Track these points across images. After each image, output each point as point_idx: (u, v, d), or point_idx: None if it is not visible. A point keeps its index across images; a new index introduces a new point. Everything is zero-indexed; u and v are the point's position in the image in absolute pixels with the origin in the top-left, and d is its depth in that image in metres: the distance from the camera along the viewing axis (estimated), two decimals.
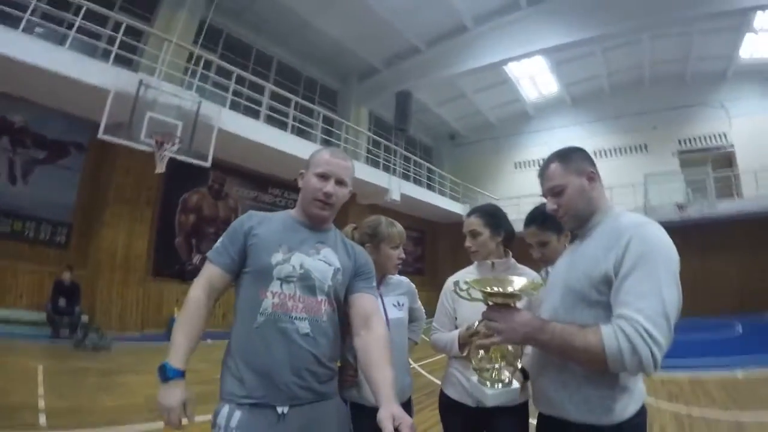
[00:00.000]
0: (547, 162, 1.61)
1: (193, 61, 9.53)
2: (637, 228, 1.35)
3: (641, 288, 1.27)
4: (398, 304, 2.20)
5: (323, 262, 1.63)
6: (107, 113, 7.23)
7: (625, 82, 18.19)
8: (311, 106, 12.97)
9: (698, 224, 14.63)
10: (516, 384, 1.54)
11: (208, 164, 8.79)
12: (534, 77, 17.97)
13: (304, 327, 1.53)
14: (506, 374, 1.50)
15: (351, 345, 1.65)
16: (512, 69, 16.91)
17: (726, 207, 14.44)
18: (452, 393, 2.08)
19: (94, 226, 9.20)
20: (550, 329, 1.34)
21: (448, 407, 2.10)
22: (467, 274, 2.15)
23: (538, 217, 2.10)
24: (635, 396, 1.40)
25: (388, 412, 1.22)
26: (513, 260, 2.18)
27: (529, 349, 1.64)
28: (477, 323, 1.55)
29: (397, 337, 2.05)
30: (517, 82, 18.11)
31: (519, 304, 1.46)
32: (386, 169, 14.53)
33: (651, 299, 1.25)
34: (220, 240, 1.66)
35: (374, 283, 1.77)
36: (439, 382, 2.23)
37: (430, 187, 17.29)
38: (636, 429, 1.40)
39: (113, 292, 8.99)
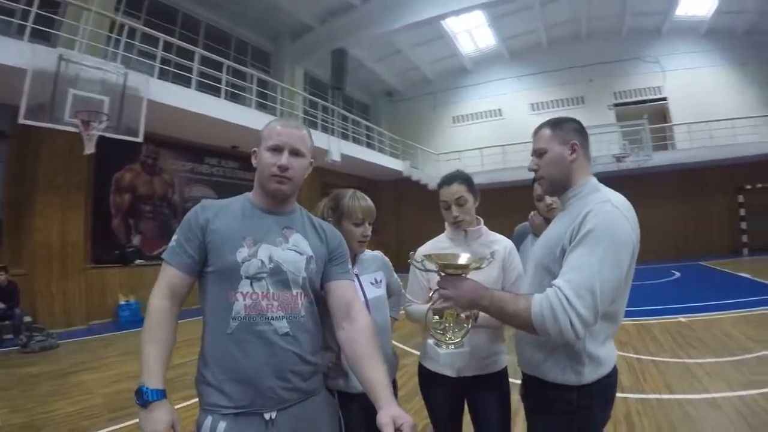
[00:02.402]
0: (541, 125, 1.69)
1: (116, 31, 8.79)
2: (596, 204, 1.44)
3: (578, 261, 1.37)
4: (376, 281, 2.09)
5: (294, 251, 1.50)
6: (27, 95, 6.60)
7: (563, 36, 18.57)
8: (244, 69, 12.40)
9: (635, 175, 15.38)
10: (466, 347, 1.61)
11: (140, 139, 8.26)
12: (471, 31, 17.90)
13: (283, 326, 1.41)
14: (457, 337, 1.59)
15: (332, 332, 1.57)
16: (450, 23, 16.75)
17: (661, 158, 15.27)
18: (432, 365, 2.08)
19: (25, 219, 8.48)
20: (489, 295, 1.46)
21: (429, 379, 2.11)
22: (439, 243, 2.21)
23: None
24: (605, 362, 1.51)
25: (388, 415, 1.16)
26: (484, 227, 2.19)
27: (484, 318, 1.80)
28: (432, 292, 1.59)
29: (378, 317, 1.95)
30: (455, 37, 18.01)
31: (489, 275, 1.85)
32: (325, 129, 14.20)
33: (582, 272, 1.34)
34: (174, 238, 1.48)
35: (350, 266, 1.66)
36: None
37: (369, 146, 17.12)
38: (603, 389, 1.53)
39: (53, 286, 8.45)
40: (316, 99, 14.71)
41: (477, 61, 19.97)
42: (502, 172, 17.01)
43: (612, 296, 1.39)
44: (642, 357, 5.03)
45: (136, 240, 10.54)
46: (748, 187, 15.68)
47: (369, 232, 2.04)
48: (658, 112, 17.91)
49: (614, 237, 1.39)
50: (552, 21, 17.40)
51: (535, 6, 16.04)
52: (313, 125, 14.00)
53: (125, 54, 8.76)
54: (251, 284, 1.40)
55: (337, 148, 14.19)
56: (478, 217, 2.19)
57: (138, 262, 10.28)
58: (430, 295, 1.62)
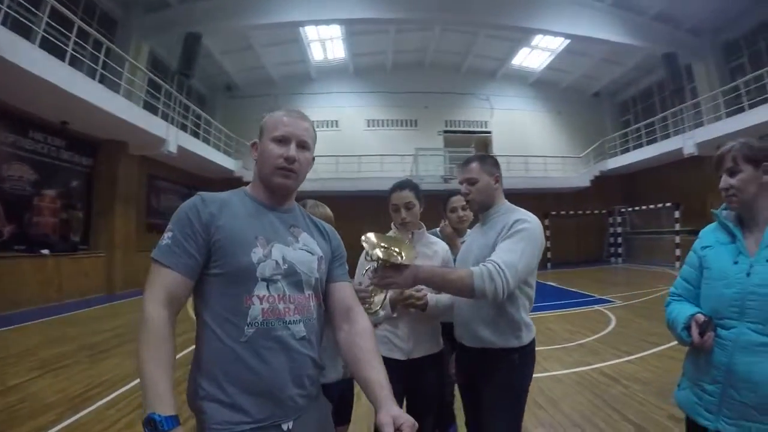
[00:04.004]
0: (470, 159, 2.24)
1: None
2: (522, 215, 2.05)
3: (508, 247, 1.92)
4: None
5: (305, 251, 1.44)
6: None
7: (407, 62, 19.97)
8: (91, 31, 10.67)
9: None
10: (381, 312, 2.04)
11: None
12: (325, 42, 18.15)
13: (300, 330, 1.35)
14: (375, 308, 1.96)
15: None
16: (307, 30, 16.87)
17: None
18: (383, 351, 2.24)
19: None
20: (427, 269, 1.92)
21: None
22: None
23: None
24: (532, 328, 2.11)
25: (388, 415, 1.15)
26: (425, 231, 2.59)
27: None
28: (372, 276, 1.91)
29: None
30: (308, 44, 18.06)
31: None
32: (164, 117, 13.22)
33: (510, 254, 1.88)
34: (167, 235, 1.31)
35: (347, 268, 1.66)
36: None
37: (205, 140, 16.24)
38: (532, 350, 2.13)
39: None
40: (162, 82, 13.59)
41: (323, 71, 20.28)
42: (334, 181, 17.36)
43: (525, 276, 1.95)
44: None
45: None
46: (554, 213, 18.93)
47: None
48: (481, 142, 20.63)
49: (533, 237, 1.98)
50: (401, 47, 18.63)
51: (390, 31, 17.06)
52: (153, 111, 12.89)
53: None
54: (267, 287, 1.32)
55: (175, 139, 13.27)
56: (421, 222, 2.53)
57: None
58: (364, 272, 1.99)
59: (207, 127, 16.55)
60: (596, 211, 19.32)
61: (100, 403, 4.09)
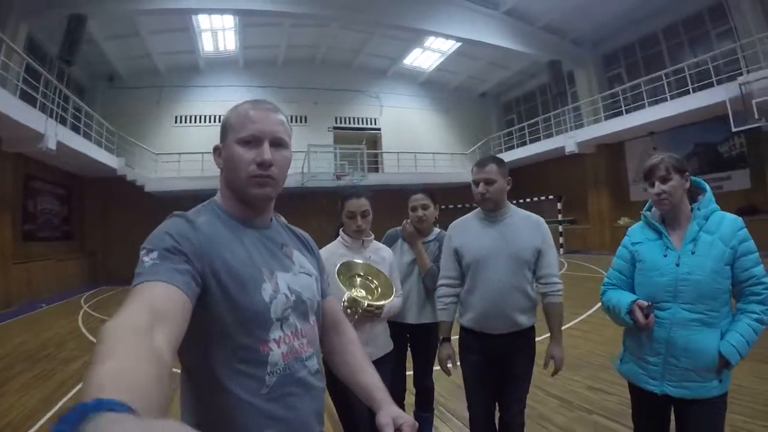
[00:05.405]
0: (488, 160, 2.51)
1: None
2: (543, 223, 2.54)
3: (551, 260, 2.49)
4: None
5: (304, 274, 1.28)
6: None
7: (299, 57, 19.86)
8: None
9: (351, 191, 18.04)
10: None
11: None
12: (217, 32, 17.47)
13: (314, 364, 1.22)
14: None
15: None
16: (199, 19, 16.16)
17: (374, 179, 17.84)
18: None
19: None
20: (558, 340, 2.48)
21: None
22: (337, 249, 2.65)
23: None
24: None
25: (388, 415, 1.11)
26: (373, 237, 2.72)
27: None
28: (347, 297, 2.20)
29: None
30: (199, 34, 17.24)
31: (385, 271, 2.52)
32: (43, 109, 11.64)
33: (556, 265, 2.51)
34: (150, 257, 0.97)
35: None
36: None
37: (86, 136, 14.51)
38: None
39: None
40: (41, 69, 12.05)
41: (212, 62, 19.49)
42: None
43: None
44: None
45: None
46: (443, 206, 19.58)
47: None
48: (371, 139, 21.39)
49: (552, 239, 2.56)
50: (294, 42, 18.42)
51: (285, 25, 16.80)
52: (30, 102, 11.25)
53: None
54: (281, 326, 1.14)
55: (55, 135, 11.74)
56: (370, 231, 2.67)
57: None
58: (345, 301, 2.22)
59: (88, 121, 14.82)
60: None
61: None
